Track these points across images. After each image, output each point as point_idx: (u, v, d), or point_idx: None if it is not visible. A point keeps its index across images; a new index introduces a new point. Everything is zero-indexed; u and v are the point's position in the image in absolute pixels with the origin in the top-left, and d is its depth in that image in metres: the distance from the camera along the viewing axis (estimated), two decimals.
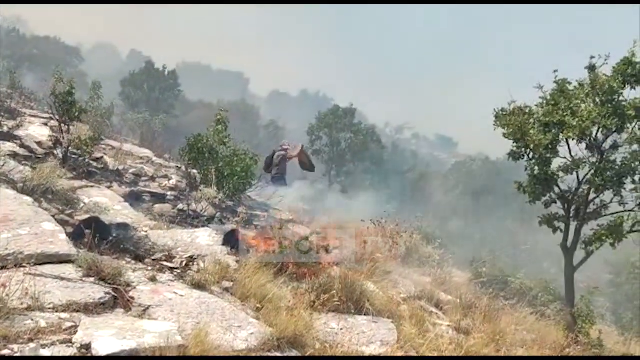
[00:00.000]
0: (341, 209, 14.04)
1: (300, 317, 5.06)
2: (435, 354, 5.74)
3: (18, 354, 3.56)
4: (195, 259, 6.17)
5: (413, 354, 5.64)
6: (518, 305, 8.76)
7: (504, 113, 8.49)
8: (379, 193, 19.01)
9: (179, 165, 13.00)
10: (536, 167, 8.26)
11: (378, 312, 6.26)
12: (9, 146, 8.67)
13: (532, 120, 8.27)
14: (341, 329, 5.57)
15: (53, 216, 6.10)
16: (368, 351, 5.30)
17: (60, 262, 5.12)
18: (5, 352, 3.57)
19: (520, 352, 6.58)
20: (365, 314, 6.07)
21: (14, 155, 8.28)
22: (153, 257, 6.00)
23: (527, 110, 8.39)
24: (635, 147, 8.04)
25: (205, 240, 6.85)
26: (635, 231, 8.09)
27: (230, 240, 6.94)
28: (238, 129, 22.31)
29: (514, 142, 8.39)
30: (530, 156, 8.31)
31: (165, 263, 5.94)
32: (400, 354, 5.46)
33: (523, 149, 8.27)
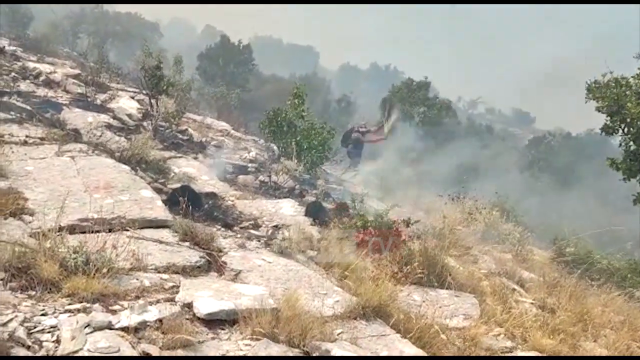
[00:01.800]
0: (415, 183, 13.90)
1: (384, 287, 5.11)
2: (520, 330, 5.65)
3: (127, 310, 3.84)
4: (280, 228, 6.38)
5: (497, 329, 5.57)
6: (605, 286, 8.38)
7: (597, 85, 7.99)
8: (453, 168, 18.62)
9: (256, 139, 13.34)
10: (632, 143, 7.76)
11: (460, 287, 6.23)
12: (104, 118, 9.22)
13: (629, 93, 7.73)
14: (424, 301, 5.58)
15: (148, 184, 6.48)
16: (452, 324, 5.30)
17: (158, 227, 5.46)
18: (116, 307, 3.87)
19: (610, 333, 6.32)
20: (447, 288, 6.05)
21: (108, 126, 8.81)
22: (241, 225, 6.27)
23: (623, 82, 7.85)
24: None
25: (288, 210, 7.05)
26: None
27: (313, 211, 7.09)
28: (310, 103, 22.41)
29: (607, 116, 7.90)
30: (626, 131, 7.80)
31: (252, 231, 6.18)
32: (483, 328, 5.41)
33: (618, 123, 7.77)
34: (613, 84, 7.78)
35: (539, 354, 5.26)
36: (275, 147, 10.98)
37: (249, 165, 9.97)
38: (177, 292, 4.25)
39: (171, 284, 4.43)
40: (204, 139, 10.80)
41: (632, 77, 7.89)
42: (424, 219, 8.42)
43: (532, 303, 6.80)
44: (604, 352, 5.87)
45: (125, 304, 3.92)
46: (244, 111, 23.28)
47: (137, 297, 4.11)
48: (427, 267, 6.12)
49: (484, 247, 8.93)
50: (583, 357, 5.72)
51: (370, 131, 15.33)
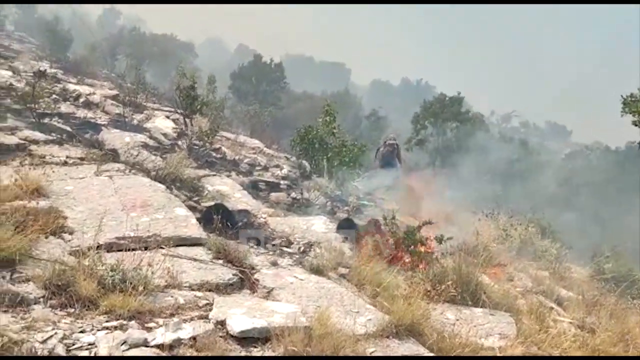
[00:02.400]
0: (448, 199, 13.72)
1: (417, 306, 5.05)
2: (557, 352, 5.48)
3: (162, 327, 3.90)
4: (312, 245, 6.39)
5: (534, 349, 5.42)
6: None
7: (634, 99, 7.80)
8: (487, 183, 18.33)
9: (288, 156, 13.45)
10: None
11: (495, 305, 6.09)
12: (140, 138, 9.47)
13: None
14: (457, 320, 5.49)
15: (183, 202, 6.61)
16: (487, 344, 5.18)
17: (192, 245, 5.55)
18: (152, 324, 3.94)
19: None
20: (481, 306, 5.93)
21: (145, 146, 9.05)
22: (273, 243, 6.32)
23: None
24: None
25: (320, 227, 7.07)
26: None
27: (344, 228, 7.09)
28: (341, 119, 22.49)
29: None
30: None
31: (284, 248, 6.22)
32: (520, 348, 5.27)
33: None
34: None
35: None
36: (306, 164, 11.05)
37: (281, 182, 10.05)
38: (210, 310, 4.30)
39: (205, 302, 4.49)
40: (236, 157, 10.95)
41: None
42: (457, 235, 8.30)
43: (570, 322, 6.60)
44: None
45: (161, 321, 3.99)
46: (276, 128, 23.54)
47: (172, 315, 4.18)
48: (460, 285, 6.02)
49: (519, 264, 8.75)
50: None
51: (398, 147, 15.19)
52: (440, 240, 6.85)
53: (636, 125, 7.68)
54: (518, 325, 5.79)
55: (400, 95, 70.28)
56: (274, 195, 8.82)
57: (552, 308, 7.13)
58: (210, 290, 4.73)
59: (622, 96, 8.09)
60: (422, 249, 6.63)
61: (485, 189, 16.64)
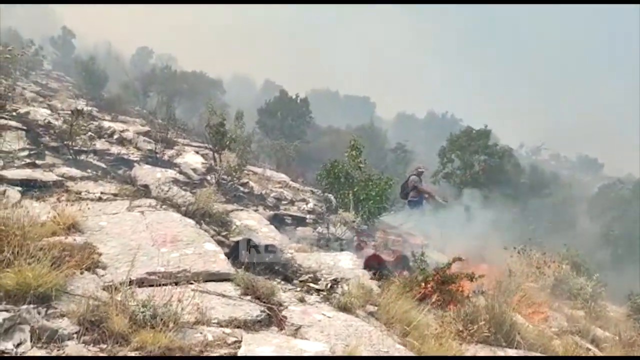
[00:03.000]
0: (478, 234, 13.51)
1: (448, 346, 4.94)
2: None
3: None
4: (339, 281, 6.33)
5: None
6: None
7: None
8: (517, 218, 18.00)
9: (314, 190, 13.51)
10: None
11: (529, 346, 5.92)
12: (171, 173, 9.67)
13: None
14: None
15: (212, 237, 6.67)
16: None
17: (221, 280, 5.56)
18: None
19: None
20: (516, 347, 5.76)
21: (175, 181, 9.23)
22: (300, 279, 6.28)
23: None
24: None
25: (347, 263, 7.01)
26: None
27: (372, 264, 7.03)
28: (366, 153, 22.56)
29: None
30: None
31: (311, 284, 6.18)
32: None
33: None
34: None
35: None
36: (332, 198, 11.07)
37: (307, 216, 10.08)
38: (239, 347, 4.27)
39: (233, 339, 4.46)
40: (263, 191, 11.06)
41: None
42: (488, 272, 8.13)
43: None
44: None
45: None
46: (302, 162, 23.77)
47: (201, 352, 4.17)
48: (493, 325, 5.88)
49: (554, 303, 8.49)
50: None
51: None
52: (471, 278, 6.72)
53: None
54: None
55: (425, 128, 70.26)
56: (300, 230, 8.83)
57: (588, 349, 6.89)
58: (238, 327, 4.71)
59: None
60: (453, 287, 6.51)
61: (517, 223, 16.33)
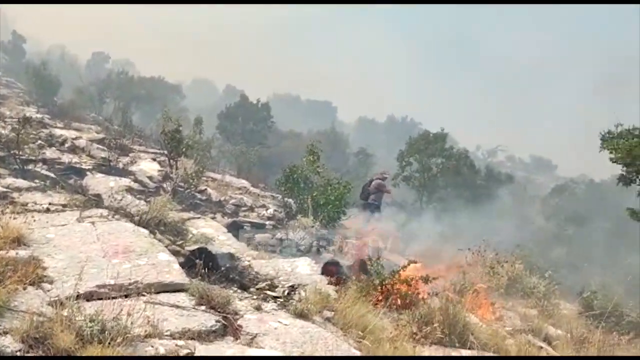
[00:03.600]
0: (435, 236, 13.75)
1: (403, 350, 5.00)
2: None
3: None
4: (297, 288, 6.32)
5: None
6: (636, 340, 8.07)
7: (611, 136, 7.98)
8: (474, 219, 18.40)
9: (274, 195, 13.47)
10: None
11: (483, 346, 6.05)
12: (125, 181, 9.46)
13: None
14: None
15: (166, 247, 6.56)
16: None
17: (175, 291, 5.47)
18: None
19: None
20: (469, 348, 5.88)
21: (129, 190, 9.03)
22: (257, 286, 6.24)
23: (636, 133, 7.83)
24: None
25: (305, 269, 7.01)
26: None
27: (329, 270, 7.05)
28: (328, 158, 22.67)
29: (623, 166, 7.85)
30: None
31: (268, 292, 6.14)
32: None
33: (634, 174, 7.70)
34: (626, 135, 7.76)
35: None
36: (292, 204, 11.06)
37: (267, 222, 10.04)
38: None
39: (186, 351, 4.39)
40: (222, 198, 10.95)
41: None
42: (444, 274, 8.28)
43: None
44: None
45: None
46: (263, 168, 23.65)
47: None
48: (447, 326, 5.99)
49: (507, 302, 8.71)
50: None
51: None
52: (426, 280, 6.83)
53: (613, 161, 7.82)
54: None
55: (386, 132, 71.04)
56: (258, 237, 8.78)
57: (541, 347, 7.08)
58: (192, 339, 4.64)
59: (600, 133, 8.27)
60: (408, 289, 6.60)
61: (472, 224, 16.68)
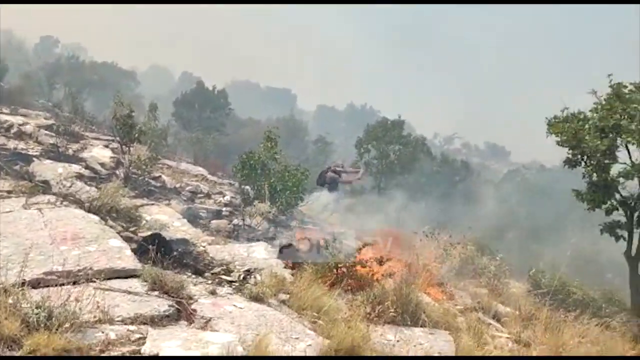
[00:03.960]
0: (392, 221, 13.98)
1: (356, 329, 5.09)
2: None
3: None
4: (252, 272, 6.34)
5: None
6: (581, 317, 8.46)
7: (557, 120, 8.29)
8: (430, 204, 18.81)
9: (232, 182, 13.37)
10: (594, 174, 8.00)
11: (434, 324, 6.22)
12: (75, 168, 9.18)
13: (587, 126, 8.03)
14: (398, 341, 5.57)
15: (118, 233, 6.43)
16: None
17: (127, 277, 5.39)
18: None
19: None
20: (421, 326, 6.04)
21: (80, 176, 8.77)
22: (212, 271, 6.22)
23: (581, 117, 8.16)
24: None
25: (261, 254, 7.02)
26: None
27: (286, 254, 7.08)
28: (287, 145, 22.66)
29: (569, 149, 8.17)
30: (587, 163, 8.06)
31: (223, 277, 6.13)
32: None
33: (579, 156, 8.03)
34: (571, 118, 8.08)
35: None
36: (249, 190, 11.00)
37: (224, 209, 9.96)
38: (143, 344, 4.18)
39: (138, 336, 4.35)
40: (178, 185, 10.79)
41: (589, 110, 8.21)
42: (399, 256, 8.44)
43: (507, 337, 6.81)
44: None
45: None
46: (222, 155, 23.39)
47: (102, 351, 4.04)
48: (400, 306, 6.13)
49: (459, 282, 8.96)
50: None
51: (347, 172, 15.44)
52: (380, 262, 6.95)
53: (560, 145, 8.13)
54: (456, 343, 5.93)
55: (346, 120, 71.42)
56: (214, 223, 8.71)
57: (490, 324, 7.34)
58: (144, 324, 4.59)
59: (546, 118, 8.57)
60: (363, 271, 6.71)
61: (428, 209, 17.07)
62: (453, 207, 20.87)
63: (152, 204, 8.57)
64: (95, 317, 4.36)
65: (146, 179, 9.79)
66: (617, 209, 8.29)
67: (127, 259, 5.60)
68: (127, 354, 4.02)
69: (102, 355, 3.94)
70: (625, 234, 8.34)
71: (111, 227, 6.60)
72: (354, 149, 25.64)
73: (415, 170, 23.86)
